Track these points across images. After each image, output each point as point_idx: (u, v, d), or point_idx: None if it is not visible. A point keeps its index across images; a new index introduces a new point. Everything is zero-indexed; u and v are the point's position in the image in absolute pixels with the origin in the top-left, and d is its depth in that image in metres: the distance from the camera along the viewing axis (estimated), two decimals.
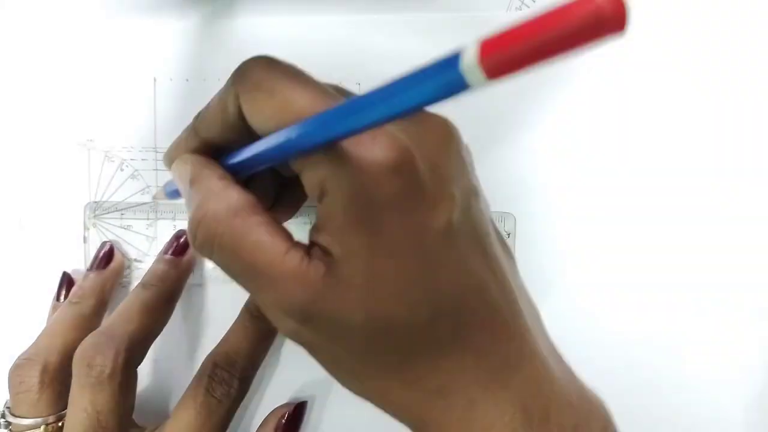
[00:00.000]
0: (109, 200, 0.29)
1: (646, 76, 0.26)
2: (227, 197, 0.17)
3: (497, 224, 0.25)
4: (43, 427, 0.24)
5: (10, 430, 0.24)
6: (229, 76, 0.28)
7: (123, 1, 0.28)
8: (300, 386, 0.28)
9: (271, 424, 0.25)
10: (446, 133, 0.18)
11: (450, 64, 0.11)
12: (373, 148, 0.15)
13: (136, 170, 0.28)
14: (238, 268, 0.17)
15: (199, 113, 0.20)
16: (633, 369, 0.27)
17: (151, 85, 0.28)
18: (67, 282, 0.28)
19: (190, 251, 0.27)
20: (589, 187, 0.27)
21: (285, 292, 0.16)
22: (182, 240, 0.27)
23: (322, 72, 0.27)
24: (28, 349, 0.25)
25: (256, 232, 0.16)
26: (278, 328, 0.18)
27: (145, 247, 0.29)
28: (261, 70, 0.17)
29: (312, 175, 0.16)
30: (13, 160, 0.29)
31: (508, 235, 0.27)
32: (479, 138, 0.27)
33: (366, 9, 0.27)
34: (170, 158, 0.21)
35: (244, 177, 0.19)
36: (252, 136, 0.18)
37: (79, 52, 0.28)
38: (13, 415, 0.24)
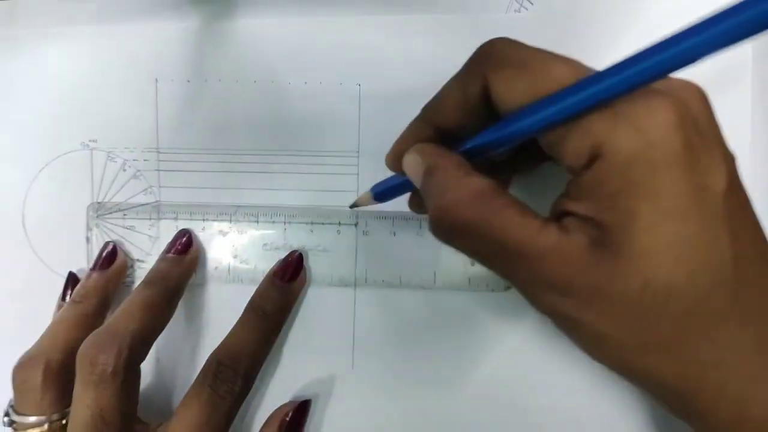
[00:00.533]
0: (112, 200, 0.29)
1: None
2: (469, 183, 0.17)
3: None
4: (47, 425, 0.24)
5: (14, 428, 0.24)
6: (231, 76, 0.28)
7: (125, 2, 0.28)
8: (303, 385, 0.28)
9: (275, 423, 0.26)
10: (704, 96, 0.17)
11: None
12: (651, 107, 0.15)
13: (139, 171, 0.29)
14: (490, 251, 0.17)
15: (428, 103, 0.20)
16: None
17: (153, 86, 0.28)
18: (72, 281, 0.28)
19: (193, 249, 0.27)
20: None
21: (545, 268, 0.16)
22: (185, 239, 0.27)
23: (322, 72, 0.28)
24: (31, 348, 0.25)
25: (504, 213, 0.16)
26: (538, 305, 0.17)
27: (147, 247, 0.29)
28: (506, 47, 0.17)
29: (579, 142, 0.16)
30: (16, 161, 0.29)
31: None
32: None
33: (366, 9, 0.27)
34: (396, 154, 0.21)
35: (479, 162, 0.19)
36: (489, 119, 0.17)
37: (81, 54, 0.28)
38: (18, 413, 0.24)
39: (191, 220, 0.28)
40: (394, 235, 0.27)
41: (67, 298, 0.28)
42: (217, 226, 0.28)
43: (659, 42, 0.14)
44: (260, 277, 0.27)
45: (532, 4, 0.26)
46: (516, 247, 0.16)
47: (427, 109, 0.20)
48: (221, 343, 0.25)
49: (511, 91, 0.17)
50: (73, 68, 0.28)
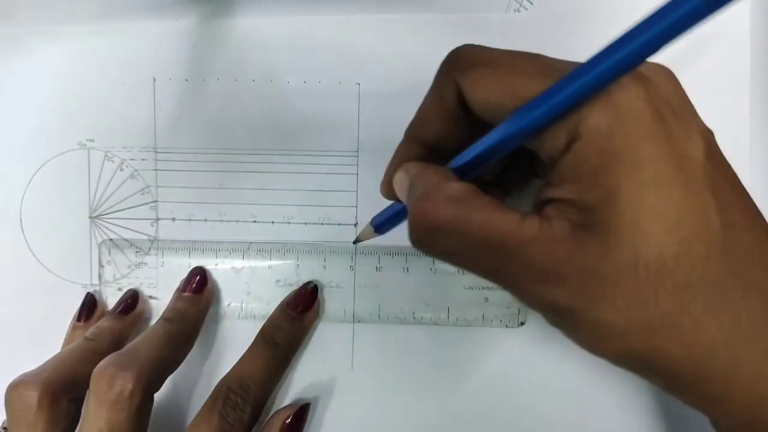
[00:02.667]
0: (109, 200, 0.29)
1: None
2: (446, 187, 0.17)
3: None
4: None
5: None
6: (229, 75, 0.28)
7: (123, 1, 0.28)
8: (302, 388, 0.28)
9: (275, 426, 0.25)
10: (673, 76, 0.18)
11: None
12: (622, 84, 0.15)
13: (136, 170, 0.28)
14: (473, 252, 0.16)
15: (411, 122, 0.20)
16: None
17: (151, 85, 0.28)
18: (89, 304, 0.28)
19: (208, 288, 0.27)
20: None
21: (531, 258, 0.15)
22: (199, 277, 0.27)
23: (321, 71, 0.28)
24: (32, 370, 0.24)
25: (482, 211, 0.16)
26: (527, 300, 0.17)
27: (146, 247, 0.29)
28: (472, 50, 0.18)
29: (555, 128, 0.16)
30: (13, 160, 0.29)
31: None
32: None
33: (366, 9, 0.27)
34: (387, 181, 0.21)
35: (470, 179, 0.19)
36: (471, 124, 0.17)
37: (79, 52, 0.28)
38: None
39: (204, 257, 0.28)
40: (407, 271, 0.27)
41: (82, 319, 0.27)
42: (230, 262, 0.28)
43: (630, 29, 0.14)
44: None
45: (531, 4, 0.26)
46: (499, 240, 0.16)
47: (411, 127, 0.20)
48: (231, 369, 0.25)
49: (484, 90, 0.17)
50: (71, 67, 0.28)
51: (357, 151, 0.28)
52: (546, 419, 0.27)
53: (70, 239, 0.29)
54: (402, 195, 0.19)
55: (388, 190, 0.21)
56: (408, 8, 0.27)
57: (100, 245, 0.28)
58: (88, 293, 0.28)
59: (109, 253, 0.28)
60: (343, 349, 0.28)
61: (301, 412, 0.26)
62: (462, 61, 0.18)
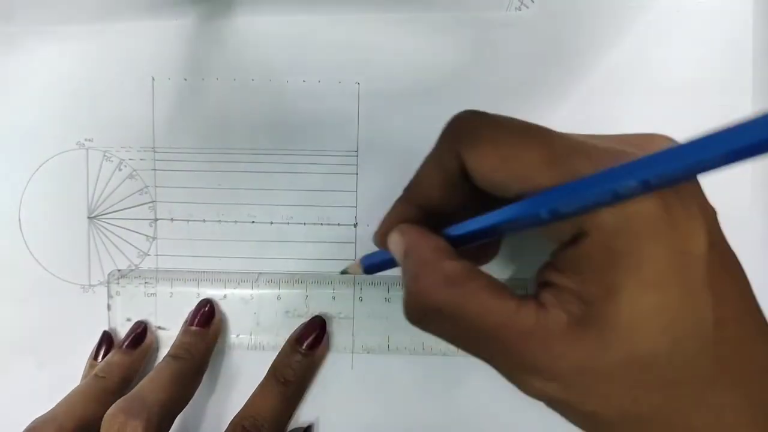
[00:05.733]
0: (108, 200, 0.28)
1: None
2: (441, 268, 0.17)
3: None
4: None
5: None
6: (228, 74, 0.28)
7: (122, 1, 0.28)
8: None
9: None
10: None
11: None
12: None
13: (135, 170, 0.28)
14: (466, 338, 0.16)
15: (409, 183, 0.20)
16: None
17: (150, 84, 0.28)
18: (106, 342, 0.28)
19: (216, 320, 0.27)
20: None
21: (526, 353, 0.15)
22: (207, 308, 0.27)
23: (320, 70, 0.28)
24: (46, 413, 0.24)
25: (478, 297, 0.16)
26: (522, 389, 0.17)
27: (145, 247, 0.28)
28: (477, 122, 0.17)
29: (563, 223, 0.16)
30: (12, 160, 0.29)
31: None
32: None
33: (366, 9, 0.27)
34: (381, 234, 0.21)
35: (469, 247, 0.19)
36: (471, 190, 0.17)
37: (77, 52, 0.28)
38: None
39: (213, 287, 0.28)
40: None
41: (99, 357, 0.28)
42: (239, 293, 0.28)
43: (669, 151, 0.14)
44: (283, 343, 0.27)
45: (532, 2, 0.26)
46: (493, 332, 0.16)
47: (409, 189, 0.20)
48: (244, 407, 0.25)
49: (488, 169, 0.17)
50: (70, 67, 0.28)
51: (357, 151, 0.28)
52: (547, 419, 0.27)
53: (69, 239, 0.28)
54: (396, 256, 0.19)
55: (381, 242, 0.21)
56: (408, 8, 0.27)
57: (108, 275, 0.28)
58: (104, 331, 0.28)
59: (118, 284, 0.28)
60: (342, 339, 0.28)
61: None
62: (465, 133, 0.17)
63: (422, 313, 0.17)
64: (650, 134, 0.17)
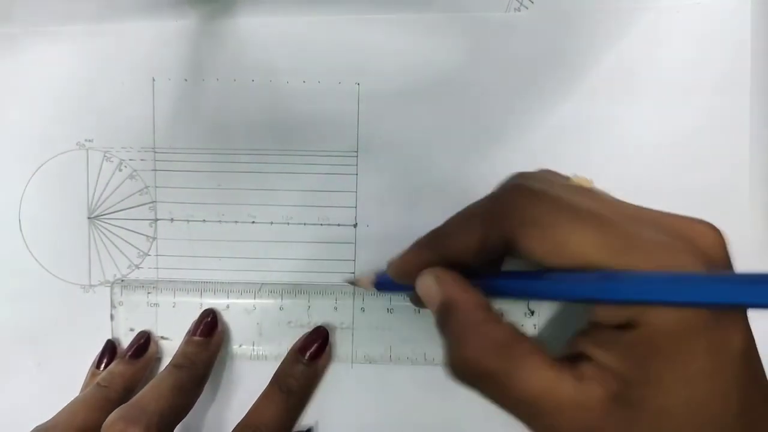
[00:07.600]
0: (108, 200, 0.28)
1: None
2: (489, 332, 0.17)
3: None
4: None
5: None
6: (229, 75, 0.28)
7: (122, 1, 0.28)
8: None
9: None
10: (721, 237, 0.18)
11: None
12: None
13: (135, 170, 0.28)
14: (510, 402, 0.17)
15: (438, 236, 0.20)
16: None
17: (150, 84, 0.28)
18: (109, 351, 0.28)
19: (218, 331, 0.27)
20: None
21: (562, 421, 0.16)
22: (209, 319, 0.27)
23: (320, 71, 0.28)
24: (47, 421, 0.24)
25: (523, 365, 0.16)
26: None
27: (145, 247, 0.28)
28: (530, 206, 0.17)
29: (615, 311, 0.16)
30: (12, 161, 0.29)
31: None
32: (480, 139, 0.27)
33: (366, 9, 0.27)
34: (402, 270, 0.21)
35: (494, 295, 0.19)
36: (502, 258, 0.17)
37: (77, 52, 0.28)
38: None
39: (216, 297, 0.28)
40: (419, 312, 0.27)
41: (102, 366, 0.27)
42: (242, 304, 0.28)
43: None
44: (285, 354, 0.27)
45: (532, 2, 0.26)
46: (534, 400, 0.16)
47: (438, 242, 0.20)
48: (246, 416, 0.25)
49: (540, 252, 0.17)
50: (70, 67, 0.28)
51: (357, 151, 0.28)
52: None
53: (69, 239, 0.28)
54: (429, 304, 0.19)
55: (400, 277, 0.21)
56: (408, 8, 0.27)
57: (112, 285, 0.28)
58: (108, 340, 0.28)
59: (121, 294, 0.28)
60: (344, 350, 0.28)
61: None
62: (518, 215, 0.17)
63: (472, 377, 0.17)
64: (695, 222, 0.18)
